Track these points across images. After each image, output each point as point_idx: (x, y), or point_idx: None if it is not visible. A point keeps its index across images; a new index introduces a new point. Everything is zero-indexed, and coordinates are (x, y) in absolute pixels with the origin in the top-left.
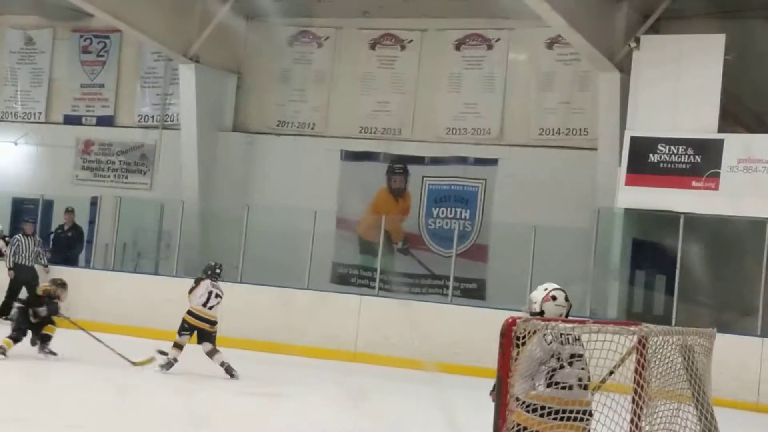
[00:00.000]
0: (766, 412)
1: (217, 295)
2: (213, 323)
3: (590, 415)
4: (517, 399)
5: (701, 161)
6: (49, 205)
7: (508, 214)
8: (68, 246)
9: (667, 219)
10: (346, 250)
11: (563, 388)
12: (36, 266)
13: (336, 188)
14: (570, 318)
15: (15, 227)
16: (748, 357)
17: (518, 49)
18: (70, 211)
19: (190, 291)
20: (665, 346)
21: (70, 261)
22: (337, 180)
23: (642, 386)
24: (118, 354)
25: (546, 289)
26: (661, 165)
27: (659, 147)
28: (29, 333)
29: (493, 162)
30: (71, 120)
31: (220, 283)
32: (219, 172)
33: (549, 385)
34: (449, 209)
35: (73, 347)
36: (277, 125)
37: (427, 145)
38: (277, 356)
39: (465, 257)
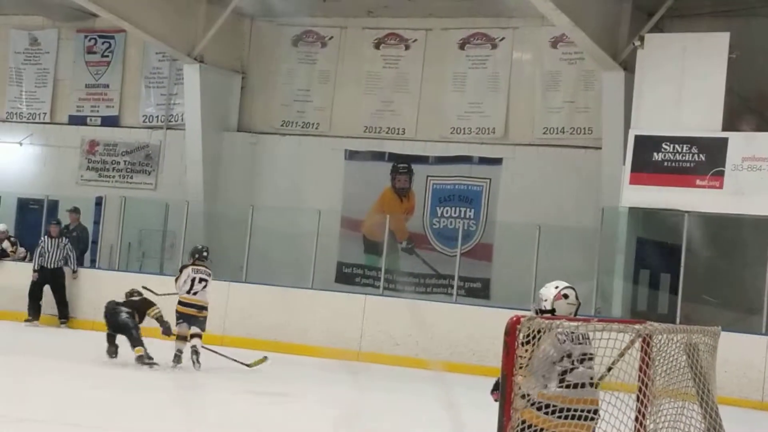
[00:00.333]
0: None
1: (201, 280)
2: (200, 308)
3: (596, 413)
4: (524, 397)
5: (705, 160)
6: (54, 205)
7: (512, 214)
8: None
9: (671, 218)
10: (351, 250)
11: (575, 387)
12: (65, 268)
13: (340, 188)
14: (574, 317)
15: (20, 227)
16: (753, 355)
17: (522, 48)
18: (73, 211)
19: (176, 280)
20: (670, 345)
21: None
22: (342, 179)
23: (646, 384)
24: (232, 359)
25: (557, 287)
26: (666, 164)
27: (663, 146)
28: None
29: (498, 161)
30: (76, 120)
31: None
32: (223, 172)
33: (562, 385)
34: (454, 208)
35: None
36: (282, 125)
37: (431, 145)
38: (281, 355)
39: (469, 256)
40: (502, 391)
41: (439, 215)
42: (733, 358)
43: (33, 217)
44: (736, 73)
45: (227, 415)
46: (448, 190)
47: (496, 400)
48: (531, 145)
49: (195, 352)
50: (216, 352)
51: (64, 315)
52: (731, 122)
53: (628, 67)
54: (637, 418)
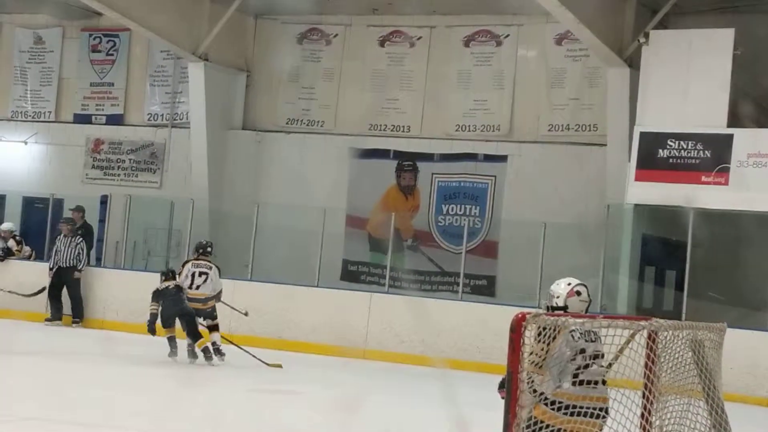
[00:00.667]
0: None
1: (201, 274)
2: (204, 300)
3: (607, 411)
4: (538, 393)
5: (711, 156)
6: (59, 204)
7: (517, 211)
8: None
9: (676, 214)
10: (356, 248)
11: (588, 384)
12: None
13: (345, 186)
14: (579, 313)
15: (26, 226)
16: (759, 352)
17: (527, 45)
18: (76, 210)
19: (179, 274)
20: (675, 341)
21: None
22: (347, 177)
23: (652, 381)
24: (258, 359)
25: (569, 284)
26: (671, 160)
27: (669, 142)
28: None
29: (503, 158)
30: (81, 119)
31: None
32: (228, 171)
33: (575, 383)
34: (459, 206)
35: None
36: (287, 123)
37: (436, 142)
38: (286, 353)
39: (475, 254)
40: (508, 388)
41: (444, 213)
42: (739, 355)
43: (38, 215)
44: (741, 69)
45: (232, 412)
46: (454, 188)
47: (503, 398)
48: (536, 142)
49: (217, 350)
50: (238, 346)
51: (76, 315)
52: (736, 118)
53: (633, 63)
54: (643, 415)
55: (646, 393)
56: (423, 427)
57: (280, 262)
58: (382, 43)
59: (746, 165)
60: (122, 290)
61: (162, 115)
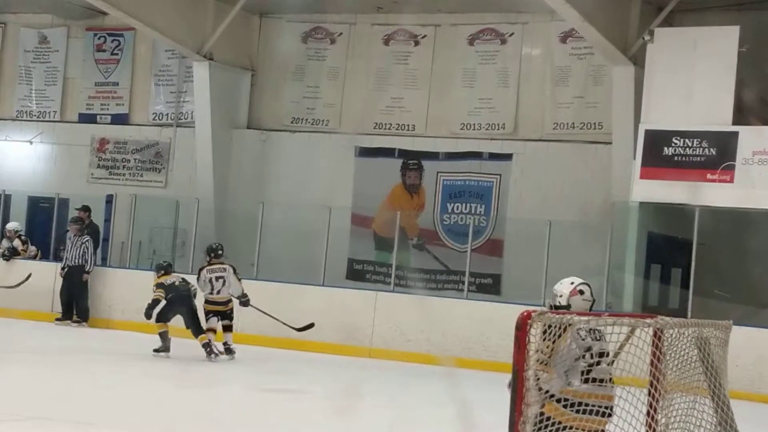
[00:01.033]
0: None
1: (218, 278)
2: (226, 303)
3: (612, 410)
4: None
5: (716, 154)
6: (64, 203)
7: (523, 209)
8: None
9: (682, 212)
10: (361, 246)
11: (594, 382)
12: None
13: (350, 184)
14: (585, 311)
15: (31, 226)
16: (765, 349)
17: (532, 43)
18: (83, 210)
19: (197, 280)
20: (681, 339)
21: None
22: (352, 176)
23: (658, 379)
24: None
25: (572, 283)
26: (676, 158)
27: (674, 140)
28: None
29: (508, 157)
30: (86, 118)
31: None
32: (233, 170)
33: (586, 381)
34: (464, 204)
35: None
36: (291, 122)
37: (441, 141)
38: (292, 352)
39: (480, 252)
40: (514, 386)
41: (449, 211)
42: (745, 353)
43: (44, 215)
44: (746, 66)
45: (236, 411)
46: (459, 186)
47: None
48: (541, 140)
49: (228, 349)
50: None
51: (79, 314)
52: (741, 116)
53: (638, 61)
54: (648, 413)
55: (652, 390)
56: (428, 426)
57: (285, 261)
58: (386, 42)
59: (751, 162)
60: (128, 290)
61: (167, 114)
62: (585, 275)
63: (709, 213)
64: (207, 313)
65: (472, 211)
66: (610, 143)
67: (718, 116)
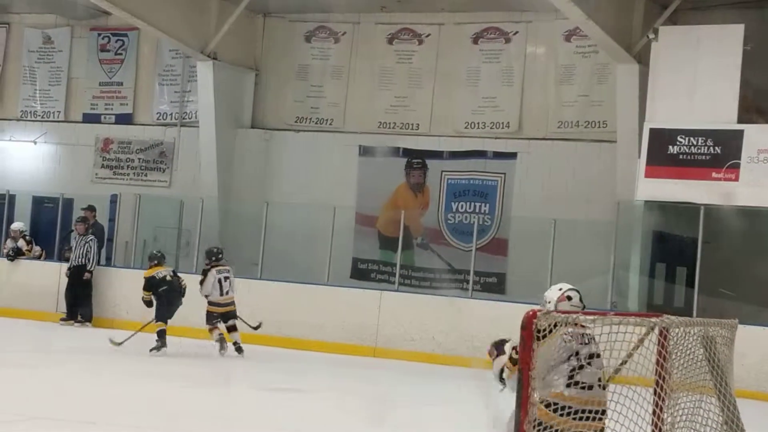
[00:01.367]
0: None
1: (225, 278)
2: (232, 303)
3: (604, 413)
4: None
5: (721, 152)
6: (69, 203)
7: (527, 208)
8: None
9: (687, 211)
10: (366, 246)
11: (583, 387)
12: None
13: (355, 184)
14: (590, 310)
15: (36, 226)
16: None
17: (536, 42)
18: (88, 209)
19: (201, 282)
20: (686, 338)
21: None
22: (356, 175)
23: (664, 378)
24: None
25: (561, 289)
26: (681, 156)
27: (678, 138)
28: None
29: (512, 156)
30: (90, 118)
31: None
32: (238, 169)
33: (570, 385)
34: (468, 203)
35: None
36: (296, 121)
37: (445, 140)
38: (296, 352)
39: (485, 251)
40: (519, 386)
41: (453, 210)
42: (751, 352)
43: (48, 215)
44: (751, 64)
45: (241, 410)
46: (463, 185)
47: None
48: (545, 139)
49: (239, 348)
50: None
51: (82, 315)
52: (746, 114)
53: (643, 60)
54: (654, 412)
55: (658, 390)
56: (432, 426)
57: (289, 260)
58: (390, 41)
59: (757, 161)
60: (132, 289)
61: (171, 114)
62: (590, 274)
63: (714, 211)
64: (211, 318)
65: (477, 210)
66: (615, 142)
67: (723, 114)
